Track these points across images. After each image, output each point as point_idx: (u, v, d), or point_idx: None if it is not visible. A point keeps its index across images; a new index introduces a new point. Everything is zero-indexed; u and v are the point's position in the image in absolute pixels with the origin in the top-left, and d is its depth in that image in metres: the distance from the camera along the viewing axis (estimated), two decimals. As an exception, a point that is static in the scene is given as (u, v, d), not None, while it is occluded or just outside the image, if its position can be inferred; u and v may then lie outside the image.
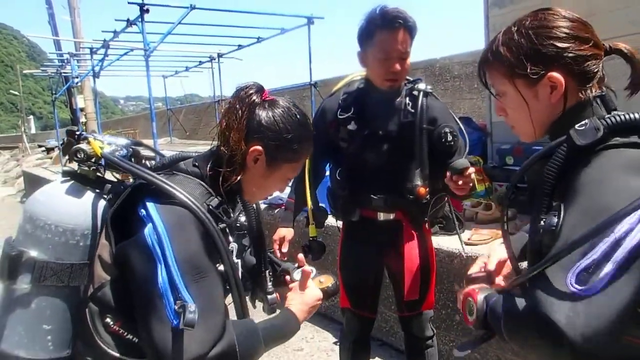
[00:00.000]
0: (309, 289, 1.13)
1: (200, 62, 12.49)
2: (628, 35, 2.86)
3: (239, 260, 1.04)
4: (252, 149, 1.01)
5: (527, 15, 0.92)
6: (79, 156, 0.97)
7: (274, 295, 1.25)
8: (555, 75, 0.86)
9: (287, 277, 1.27)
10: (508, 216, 1.00)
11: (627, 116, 0.78)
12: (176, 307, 0.82)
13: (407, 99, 1.75)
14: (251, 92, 1.04)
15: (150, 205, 0.90)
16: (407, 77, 1.81)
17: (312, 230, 1.99)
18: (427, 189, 1.73)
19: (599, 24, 3.08)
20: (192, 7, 6.75)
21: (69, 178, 0.98)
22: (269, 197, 3.96)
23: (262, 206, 3.87)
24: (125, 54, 9.89)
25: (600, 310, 0.65)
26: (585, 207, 0.73)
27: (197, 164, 1.04)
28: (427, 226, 1.90)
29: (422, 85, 1.76)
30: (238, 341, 0.90)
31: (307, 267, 1.17)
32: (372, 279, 1.94)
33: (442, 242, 2.44)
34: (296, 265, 1.28)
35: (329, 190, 2.00)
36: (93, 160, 0.99)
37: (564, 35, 0.87)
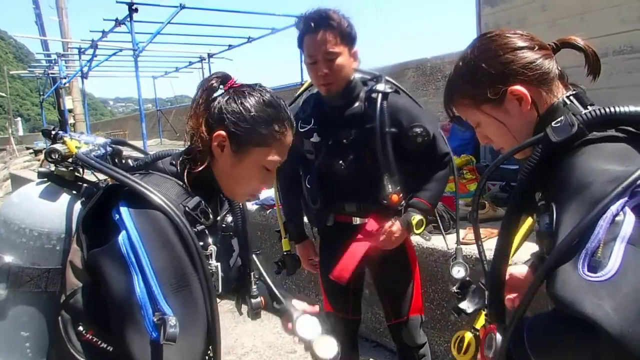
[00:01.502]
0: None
1: (190, 62, 12.45)
2: (620, 33, 2.87)
3: (219, 264, 0.96)
4: (215, 134, 0.96)
5: (467, 47, 0.95)
6: (54, 157, 0.93)
7: (259, 299, 1.21)
8: (516, 87, 0.88)
9: (289, 324, 1.19)
10: (479, 210, 1.01)
11: (601, 110, 0.78)
12: (155, 320, 0.77)
13: (366, 102, 1.66)
14: (212, 78, 1.01)
15: (123, 210, 0.85)
16: (370, 75, 1.75)
17: (285, 244, 1.95)
18: (400, 195, 1.67)
19: (592, 22, 3.09)
20: (182, 7, 6.71)
21: (45, 179, 0.94)
22: (261, 198, 3.90)
23: (254, 207, 3.84)
24: (114, 54, 9.83)
25: (624, 290, 0.62)
26: (578, 206, 0.71)
27: (174, 162, 0.99)
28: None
29: (380, 86, 1.66)
30: None
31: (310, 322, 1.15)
32: (351, 282, 1.84)
33: (436, 242, 2.41)
34: (300, 311, 1.21)
35: (302, 198, 1.94)
36: (70, 160, 0.94)
37: (508, 49, 0.89)
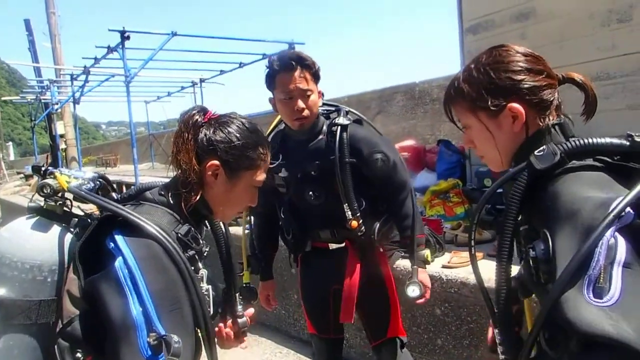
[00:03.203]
0: None
1: (182, 87, 12.53)
2: (595, 61, 2.97)
3: (210, 286, 1.04)
4: (208, 164, 1.03)
5: (483, 53, 0.98)
6: (45, 191, 0.97)
7: (245, 319, 1.25)
8: (515, 105, 0.91)
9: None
10: (475, 238, 1.02)
11: (581, 141, 0.83)
12: (150, 340, 0.81)
13: (329, 136, 1.77)
14: (194, 113, 1.07)
15: (119, 238, 0.89)
16: (332, 107, 1.86)
17: (246, 277, 2.05)
18: (360, 221, 1.77)
19: (568, 50, 3.19)
20: (174, 34, 6.80)
21: (35, 215, 0.97)
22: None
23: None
24: (106, 80, 9.88)
25: (635, 313, 0.65)
26: (571, 233, 0.74)
27: (162, 192, 1.05)
28: (378, 251, 1.92)
29: (340, 119, 1.77)
30: None
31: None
32: (330, 303, 1.94)
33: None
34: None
35: (279, 227, 2.04)
36: (60, 195, 0.98)
37: (519, 68, 0.92)
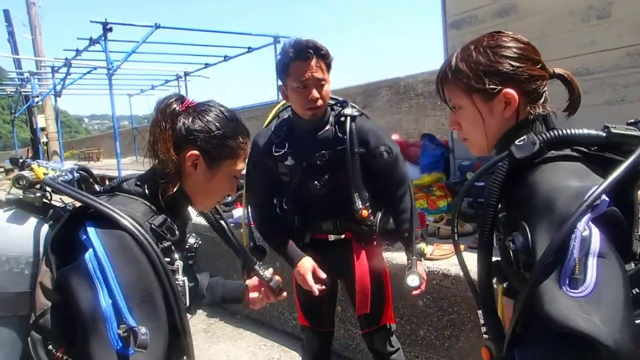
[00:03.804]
0: None
1: (166, 80, 12.39)
2: (576, 56, 3.03)
3: (186, 278, 1.02)
4: (188, 154, 1.02)
5: (484, 35, 0.98)
6: (21, 183, 0.96)
7: (277, 278, 1.40)
8: (510, 91, 0.92)
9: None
10: (457, 230, 1.04)
11: (559, 132, 0.86)
12: (120, 332, 0.81)
13: (336, 126, 1.78)
14: (171, 102, 1.05)
15: (90, 230, 0.88)
16: (335, 100, 1.86)
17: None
18: (369, 211, 1.79)
19: (549, 46, 3.24)
20: (157, 26, 6.73)
21: (13, 207, 0.96)
22: (235, 217, 3.92)
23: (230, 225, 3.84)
24: (88, 72, 9.73)
25: (605, 300, 0.68)
26: (548, 224, 0.77)
27: (139, 183, 1.03)
28: (375, 243, 1.94)
29: (348, 110, 1.79)
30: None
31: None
32: (326, 297, 1.96)
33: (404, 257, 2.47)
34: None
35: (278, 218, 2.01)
36: (37, 186, 0.97)
37: (518, 55, 0.93)
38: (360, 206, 1.76)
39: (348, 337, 2.91)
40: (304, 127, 1.80)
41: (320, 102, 1.71)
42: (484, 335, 0.95)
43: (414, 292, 1.82)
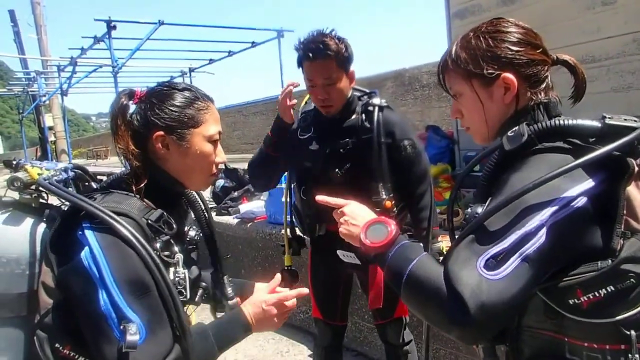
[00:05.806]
0: (257, 291, 1.17)
1: (171, 77, 12.42)
2: (580, 44, 2.99)
3: (187, 270, 1.02)
4: (154, 137, 1.00)
5: (484, 22, 0.97)
6: (16, 185, 0.96)
7: (235, 300, 1.25)
8: (509, 76, 0.91)
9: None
10: (452, 220, 1.05)
11: (550, 123, 0.84)
12: (122, 327, 0.82)
13: (363, 115, 1.77)
14: (120, 98, 1.04)
15: (86, 228, 0.89)
16: (361, 91, 1.84)
17: (288, 260, 2.02)
18: (393, 202, 1.76)
19: (554, 34, 3.18)
20: (161, 23, 6.74)
21: (10, 209, 0.97)
22: (242, 212, 3.94)
23: (235, 221, 3.87)
24: (94, 70, 9.79)
25: (501, 293, 0.73)
26: (504, 198, 0.79)
27: (131, 180, 1.03)
28: None
29: (376, 100, 1.78)
30: (192, 348, 0.91)
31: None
32: (341, 289, 1.97)
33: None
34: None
35: (294, 207, 2.02)
36: (33, 187, 0.97)
37: (517, 40, 0.92)
38: (385, 196, 1.74)
39: (356, 330, 2.92)
40: (330, 116, 1.79)
41: (328, 102, 1.71)
42: None
43: None
